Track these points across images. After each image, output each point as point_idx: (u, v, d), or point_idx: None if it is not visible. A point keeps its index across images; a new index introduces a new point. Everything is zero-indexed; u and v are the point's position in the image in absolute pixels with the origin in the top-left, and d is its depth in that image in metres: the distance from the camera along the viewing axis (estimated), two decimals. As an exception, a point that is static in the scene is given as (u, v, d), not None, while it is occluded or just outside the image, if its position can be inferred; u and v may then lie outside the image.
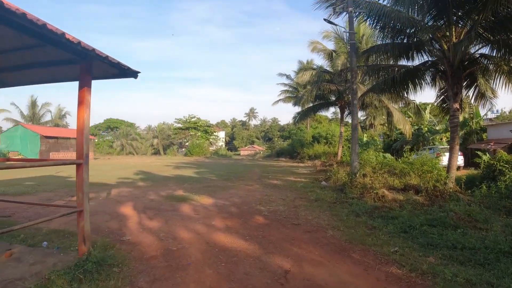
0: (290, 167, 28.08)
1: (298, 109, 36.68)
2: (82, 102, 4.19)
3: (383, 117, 33.94)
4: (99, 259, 4.25)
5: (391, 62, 14.07)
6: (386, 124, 29.45)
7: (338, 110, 31.72)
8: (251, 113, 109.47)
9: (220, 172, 21.76)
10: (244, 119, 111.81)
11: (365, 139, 33.12)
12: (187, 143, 66.68)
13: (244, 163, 38.00)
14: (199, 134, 66.60)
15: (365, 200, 9.25)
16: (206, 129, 68.15)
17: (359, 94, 24.07)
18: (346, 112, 29.46)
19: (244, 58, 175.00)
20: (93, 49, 3.61)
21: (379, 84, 14.51)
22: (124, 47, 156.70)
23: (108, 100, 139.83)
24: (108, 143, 70.22)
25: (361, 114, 32.71)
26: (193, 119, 68.04)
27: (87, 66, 4.18)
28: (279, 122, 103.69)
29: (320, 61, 56.87)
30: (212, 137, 70.81)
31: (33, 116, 49.46)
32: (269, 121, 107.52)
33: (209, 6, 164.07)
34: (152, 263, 4.55)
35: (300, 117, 33.56)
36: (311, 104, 31.55)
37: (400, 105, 23.91)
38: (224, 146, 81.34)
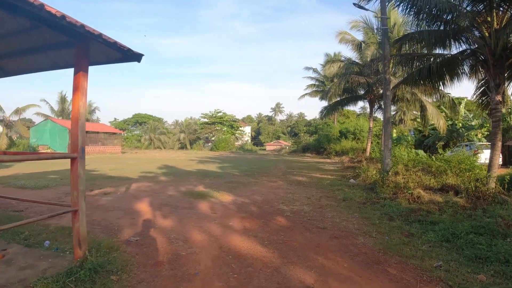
0: (316, 163, 27.21)
1: (325, 103, 35.70)
2: (77, 88, 3.68)
3: (415, 112, 32.36)
4: (96, 265, 3.76)
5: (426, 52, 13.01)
6: (418, 119, 27.99)
7: (367, 104, 30.47)
8: (277, 108, 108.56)
9: (243, 168, 21.27)
10: (270, 114, 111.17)
11: (394, 134, 31.72)
12: (213, 138, 66.79)
13: (269, 158, 37.40)
14: (225, 129, 66.58)
15: (399, 201, 8.39)
16: (232, 124, 68.02)
17: (391, 86, 23.08)
18: (375, 106, 28.19)
19: (270, 53, 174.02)
20: (82, 25, 3.08)
21: (412, 75, 13.43)
22: (153, 44, 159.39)
23: (137, 95, 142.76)
24: (136, 138, 71.51)
25: (391, 109, 31.35)
26: (219, 114, 68.04)
27: (83, 48, 3.67)
28: (305, 117, 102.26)
29: (348, 53, 54.97)
30: (237, 132, 70.62)
31: (63, 111, 50.74)
32: (295, 116, 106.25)
33: (235, 2, 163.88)
34: (156, 270, 4.02)
35: (327, 112, 32.47)
36: (338, 98, 30.46)
37: (433, 99, 22.48)
38: (249, 141, 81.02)
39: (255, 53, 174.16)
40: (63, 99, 50.88)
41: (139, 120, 79.93)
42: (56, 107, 50.75)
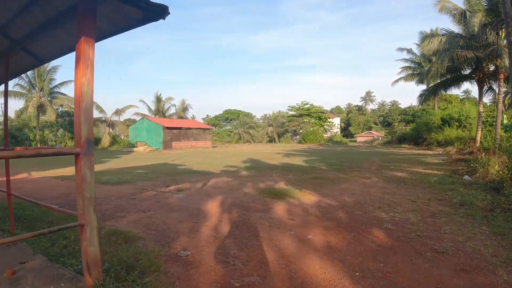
0: (416, 155, 23.94)
1: (422, 87, 31.72)
2: (79, 59, 2.64)
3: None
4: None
5: None
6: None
7: (471, 87, 26.02)
8: (368, 97, 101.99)
9: (332, 161, 19.43)
10: (360, 103, 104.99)
11: (505, 121, 26.36)
12: (301, 131, 65.27)
13: (360, 150, 34.60)
14: (313, 121, 64.40)
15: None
16: (320, 116, 65.47)
17: (505, 62, 18.99)
18: (485, 87, 23.81)
19: (358, 39, 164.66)
20: None
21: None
22: (239, 43, 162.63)
23: (227, 92, 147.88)
24: (227, 132, 73.69)
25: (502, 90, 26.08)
26: (306, 106, 66.07)
27: (85, 4, 2.59)
28: (399, 105, 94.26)
29: (448, 25, 48.33)
30: (326, 123, 67.78)
31: (159, 110, 54.15)
32: (388, 105, 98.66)
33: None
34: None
35: (427, 95, 28.58)
36: (438, 80, 26.52)
37: None
38: (339, 132, 77.46)
39: (342, 41, 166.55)
40: (158, 99, 54.30)
41: (229, 117, 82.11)
42: (152, 106, 54.40)
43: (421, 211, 6.57)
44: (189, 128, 44.66)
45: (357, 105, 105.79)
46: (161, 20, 2.85)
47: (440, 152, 26.35)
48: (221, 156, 25.71)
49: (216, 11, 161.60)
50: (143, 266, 3.60)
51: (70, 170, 16.29)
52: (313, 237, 4.92)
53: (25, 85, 35.27)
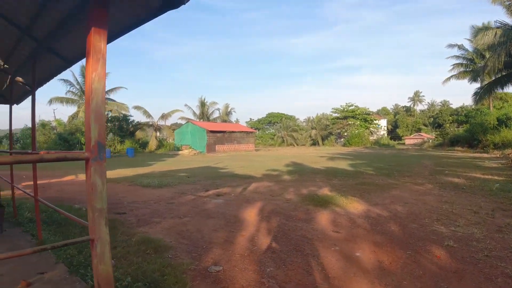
0: (472, 159, 22.08)
1: (476, 85, 29.31)
2: (89, 52, 2.29)
3: None
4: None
5: None
6: None
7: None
8: (416, 97, 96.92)
9: (379, 165, 18.34)
10: (408, 104, 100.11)
11: None
12: (345, 133, 63.39)
13: (409, 153, 32.71)
14: (358, 123, 62.23)
15: None
16: (365, 118, 63.08)
17: None
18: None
19: (403, 38, 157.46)
20: None
21: None
22: (281, 46, 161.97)
23: (271, 95, 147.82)
24: (270, 136, 73.42)
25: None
26: (350, 108, 64.07)
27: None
28: (450, 105, 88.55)
29: (501, 16, 44.20)
30: (372, 125, 65.18)
31: (203, 114, 55.04)
32: (438, 105, 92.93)
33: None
34: None
35: (483, 93, 26.33)
36: (493, 77, 24.36)
37: None
38: (386, 135, 74.29)
39: (387, 40, 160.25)
40: (203, 103, 55.23)
41: (272, 120, 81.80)
42: (197, 111, 55.45)
43: (486, 225, 5.70)
44: (232, 132, 44.88)
45: (405, 106, 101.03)
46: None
47: (498, 156, 24.18)
48: (264, 160, 25.33)
49: (257, 16, 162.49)
50: (168, 283, 3.24)
51: (118, 173, 16.70)
52: (362, 255, 4.30)
53: (77, 92, 37.25)
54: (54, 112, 73.79)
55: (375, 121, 66.95)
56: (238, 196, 8.95)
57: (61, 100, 36.95)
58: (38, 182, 5.04)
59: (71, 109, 37.87)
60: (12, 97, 8.66)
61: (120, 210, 7.53)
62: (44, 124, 39.24)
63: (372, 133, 65.55)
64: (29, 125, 37.93)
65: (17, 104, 9.44)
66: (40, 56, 4.44)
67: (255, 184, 11.30)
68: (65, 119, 41.58)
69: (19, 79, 6.42)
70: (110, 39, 3.16)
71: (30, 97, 8.24)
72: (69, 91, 37.13)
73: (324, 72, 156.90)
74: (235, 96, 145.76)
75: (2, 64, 5.97)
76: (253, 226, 5.76)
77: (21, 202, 8.16)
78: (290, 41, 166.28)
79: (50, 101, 36.79)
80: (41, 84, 5.67)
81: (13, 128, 8.02)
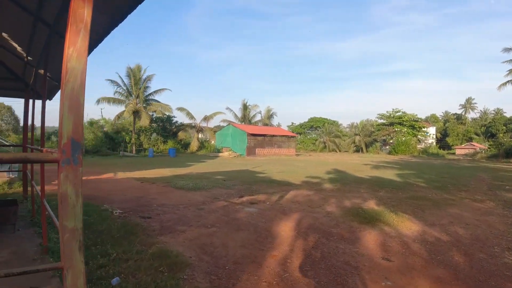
0: (536, 174, 19.77)
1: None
2: (69, 22, 1.64)
3: None
4: None
5: None
6: None
7: None
8: (468, 104, 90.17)
9: (430, 176, 16.77)
10: (459, 111, 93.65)
11: None
12: (391, 140, 60.38)
13: (462, 164, 30.14)
14: (405, 130, 58.87)
15: None
16: (413, 124, 59.46)
17: None
18: None
19: (454, 42, 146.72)
20: None
21: None
22: (326, 50, 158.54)
23: (313, 100, 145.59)
24: (311, 141, 71.84)
25: None
26: (397, 114, 60.90)
27: None
28: (504, 114, 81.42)
29: None
30: (420, 133, 61.44)
31: (244, 117, 54.79)
32: (491, 113, 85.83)
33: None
34: None
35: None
36: None
37: None
38: (434, 143, 69.91)
39: (437, 44, 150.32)
40: (245, 106, 55.02)
41: (314, 125, 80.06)
42: (239, 113, 55.36)
43: None
44: (273, 135, 44.13)
45: (456, 113, 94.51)
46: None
47: None
48: (304, 165, 24.35)
49: (301, 20, 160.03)
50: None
51: (156, 172, 16.58)
52: (422, 296, 3.39)
53: (123, 92, 38.30)
54: (101, 111, 77.13)
55: (423, 129, 63.12)
56: (274, 205, 8.20)
57: (108, 100, 38.07)
58: None
59: (118, 109, 38.97)
60: (45, 93, 8.50)
61: (146, 213, 7.07)
62: (91, 123, 40.74)
63: (419, 141, 61.90)
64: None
65: (50, 99, 9.38)
66: (53, 43, 3.99)
67: (293, 192, 10.50)
68: (111, 118, 42.97)
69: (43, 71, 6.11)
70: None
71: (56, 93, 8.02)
72: (116, 91, 38.30)
73: (370, 77, 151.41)
74: (277, 100, 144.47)
75: (25, 55, 5.65)
76: (286, 245, 4.98)
77: (48, 200, 7.95)
78: (335, 45, 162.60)
79: (98, 101, 38.06)
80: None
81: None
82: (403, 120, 59.51)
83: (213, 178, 14.33)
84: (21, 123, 44.88)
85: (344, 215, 7.09)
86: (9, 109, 44.48)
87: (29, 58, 5.54)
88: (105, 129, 42.10)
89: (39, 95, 9.08)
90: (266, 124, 57.69)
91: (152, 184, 12.32)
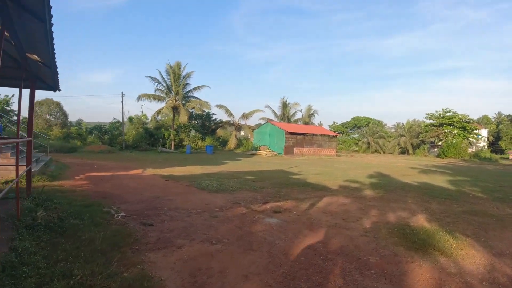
0: None
1: None
2: None
3: None
4: None
5: None
6: None
7: None
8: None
9: (487, 184, 14.56)
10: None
11: None
12: (439, 142, 56.22)
13: (521, 171, 26.83)
14: (456, 131, 54.34)
15: None
16: (465, 126, 54.53)
17: None
18: None
19: (508, 40, 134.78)
20: None
21: None
22: (371, 48, 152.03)
23: (357, 99, 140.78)
24: (354, 141, 69.09)
25: None
26: (448, 114, 56.49)
27: None
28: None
29: None
30: (471, 135, 56.44)
31: (284, 115, 53.44)
32: (550, 115, 77.79)
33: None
34: None
35: None
36: None
37: None
38: (486, 147, 64.30)
39: (491, 41, 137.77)
40: (284, 104, 53.71)
41: (358, 124, 76.92)
42: (278, 111, 54.14)
43: None
44: (313, 134, 42.40)
45: (509, 115, 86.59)
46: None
47: None
48: (344, 167, 22.68)
49: (346, 17, 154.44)
50: None
51: (186, 170, 15.91)
52: None
53: (163, 89, 38.42)
54: (141, 108, 78.94)
55: (475, 131, 58.05)
56: (300, 216, 6.94)
57: (148, 96, 38.33)
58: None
59: (158, 105, 39.13)
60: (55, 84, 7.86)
61: (151, 219, 6.15)
62: (131, 118, 41.39)
63: (470, 144, 56.97)
64: (118, 118, 40.50)
65: (59, 90, 8.75)
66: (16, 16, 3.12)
67: (327, 199, 9.17)
68: (151, 114, 43.49)
69: (35, 56, 5.31)
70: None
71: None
72: (157, 88, 38.49)
73: (417, 75, 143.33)
74: (319, 99, 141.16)
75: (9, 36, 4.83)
76: (305, 279, 3.75)
77: (54, 196, 7.27)
78: (380, 42, 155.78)
79: (139, 98, 38.45)
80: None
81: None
82: (453, 121, 55.09)
83: (243, 179, 13.30)
84: (69, 118, 46.70)
85: (386, 235, 5.70)
86: (58, 104, 46.29)
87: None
88: (149, 125, 42.71)
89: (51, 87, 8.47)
90: (306, 123, 55.98)
91: (176, 183, 11.52)
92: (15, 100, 29.17)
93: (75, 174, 13.01)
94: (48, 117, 45.54)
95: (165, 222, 6.05)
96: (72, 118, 49.16)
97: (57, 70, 6.52)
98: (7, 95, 29.88)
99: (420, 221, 6.87)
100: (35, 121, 43.00)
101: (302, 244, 4.94)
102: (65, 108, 47.60)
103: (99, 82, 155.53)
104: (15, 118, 25.07)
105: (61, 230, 4.95)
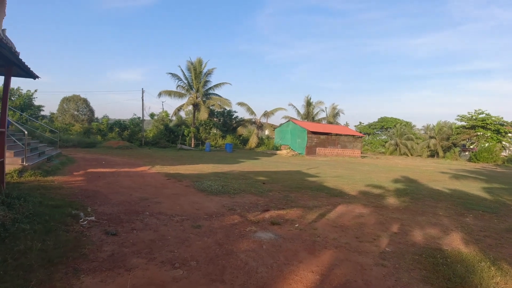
0: None
1: None
2: None
3: None
4: None
5: None
6: None
7: None
8: None
9: (531, 195, 12.74)
10: (550, 116, 79.91)
11: None
12: (471, 146, 52.81)
13: None
14: (489, 134, 50.79)
15: None
16: (499, 129, 50.97)
17: None
18: None
19: None
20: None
21: None
22: (399, 47, 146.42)
23: (385, 100, 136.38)
24: (381, 142, 66.42)
25: None
26: (480, 116, 52.92)
27: None
28: None
29: None
30: (505, 139, 52.59)
31: (308, 114, 51.66)
32: None
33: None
34: None
35: None
36: None
37: None
38: (520, 151, 59.98)
39: None
40: (308, 103, 51.95)
41: (385, 125, 73.99)
42: (302, 110, 52.42)
43: None
44: (338, 134, 40.55)
45: None
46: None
47: None
48: (368, 169, 21.01)
49: (373, 16, 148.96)
50: None
51: (195, 168, 14.92)
52: None
53: (184, 86, 37.72)
54: (162, 104, 78.62)
55: (509, 134, 54.05)
56: (302, 232, 5.64)
57: (169, 93, 37.73)
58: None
59: (178, 102, 38.69)
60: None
61: (120, 226, 5.13)
62: (152, 115, 41.06)
63: (504, 148, 53.13)
64: (138, 115, 40.24)
65: (38, 77, 8.00)
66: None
67: (341, 208, 7.83)
68: (171, 111, 43.03)
69: None
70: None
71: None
72: (178, 85, 37.87)
73: (447, 76, 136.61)
74: (345, 99, 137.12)
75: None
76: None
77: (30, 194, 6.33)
78: (409, 42, 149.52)
79: (160, 94, 37.95)
80: None
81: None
82: (487, 123, 51.53)
83: (253, 180, 12.10)
84: (95, 115, 46.89)
85: (411, 264, 4.32)
86: (85, 101, 46.62)
87: None
88: (172, 122, 42.29)
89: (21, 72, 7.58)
90: (330, 122, 54.02)
91: (176, 182, 10.50)
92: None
93: (75, 170, 12.23)
94: (76, 113, 45.88)
95: (134, 231, 4.94)
96: (98, 114, 49.35)
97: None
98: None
99: (455, 242, 5.44)
100: (63, 117, 43.44)
101: (293, 276, 3.67)
102: (92, 104, 47.91)
103: (125, 79, 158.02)
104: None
105: (4, 235, 4.00)
